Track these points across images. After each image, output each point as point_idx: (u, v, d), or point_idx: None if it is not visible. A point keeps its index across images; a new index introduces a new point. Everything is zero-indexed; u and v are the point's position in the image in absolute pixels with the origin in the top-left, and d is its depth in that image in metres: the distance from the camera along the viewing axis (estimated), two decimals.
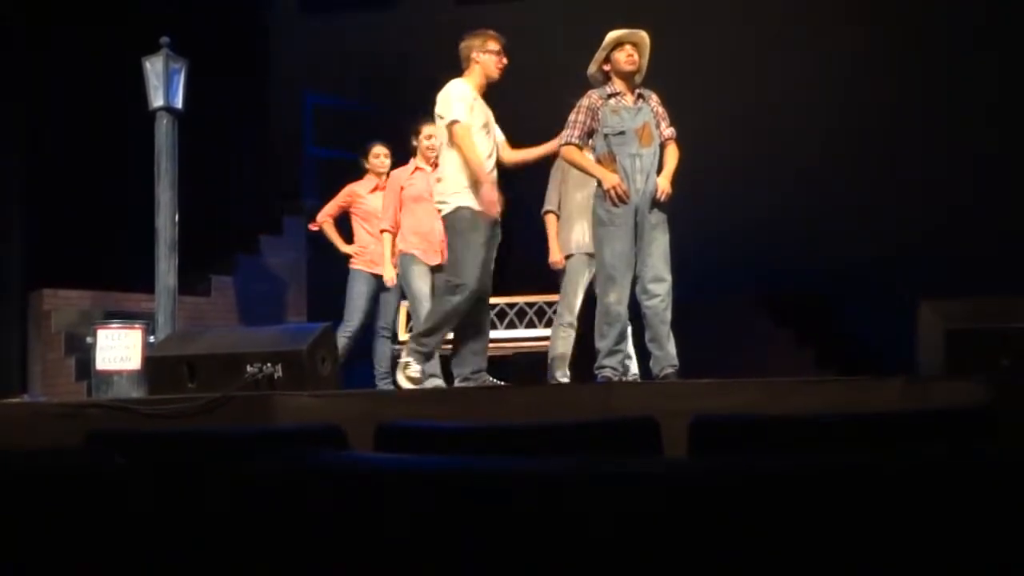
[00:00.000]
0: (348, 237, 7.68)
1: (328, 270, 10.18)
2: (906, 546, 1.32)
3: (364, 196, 7.45)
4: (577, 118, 5.74)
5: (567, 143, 5.76)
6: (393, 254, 6.94)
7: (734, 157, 8.61)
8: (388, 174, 7.37)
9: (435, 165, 6.37)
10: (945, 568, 1.32)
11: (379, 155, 7.50)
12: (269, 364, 5.19)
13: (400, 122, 9.88)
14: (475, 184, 5.57)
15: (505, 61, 5.81)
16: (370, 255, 7.40)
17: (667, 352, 5.66)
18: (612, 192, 5.58)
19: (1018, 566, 1.32)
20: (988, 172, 8.63)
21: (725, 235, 8.36)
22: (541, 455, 1.64)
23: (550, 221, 6.76)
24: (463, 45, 5.85)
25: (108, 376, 7.04)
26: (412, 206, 6.72)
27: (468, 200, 5.59)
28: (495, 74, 5.80)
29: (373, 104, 10.51)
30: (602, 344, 5.66)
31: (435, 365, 6.24)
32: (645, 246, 5.65)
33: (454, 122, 5.58)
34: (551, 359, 6.55)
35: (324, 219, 7.75)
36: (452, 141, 5.62)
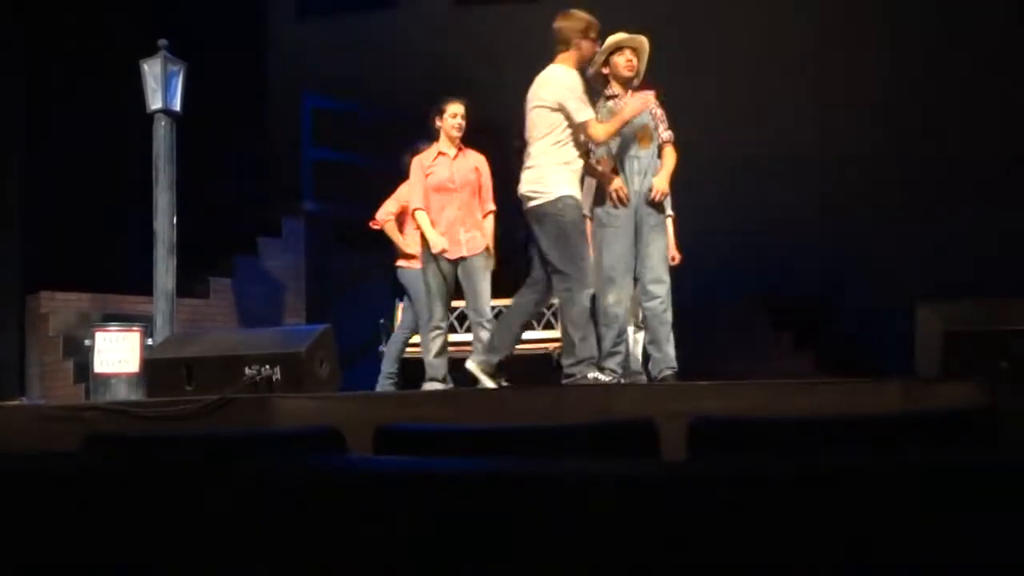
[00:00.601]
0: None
1: (325, 272, 10.21)
2: (904, 547, 1.32)
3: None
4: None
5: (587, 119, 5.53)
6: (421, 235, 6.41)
7: (733, 158, 8.61)
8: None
9: (460, 148, 6.31)
10: (943, 568, 1.32)
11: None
12: (268, 366, 5.19)
13: (398, 123, 9.90)
14: (577, 175, 5.51)
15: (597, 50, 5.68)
16: None
17: (666, 354, 5.65)
18: (614, 195, 5.57)
19: (1016, 567, 1.32)
20: (988, 174, 8.63)
21: (724, 237, 8.36)
22: (540, 457, 1.64)
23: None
24: (562, 26, 5.65)
25: (106, 379, 7.04)
26: (432, 195, 6.31)
27: (573, 189, 5.46)
28: (586, 63, 5.69)
29: (372, 106, 10.51)
30: (600, 345, 5.64)
31: (440, 368, 6.17)
32: (644, 247, 5.64)
33: (588, 121, 5.43)
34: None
35: (386, 218, 7.49)
36: (589, 135, 5.48)
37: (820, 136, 8.29)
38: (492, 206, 6.39)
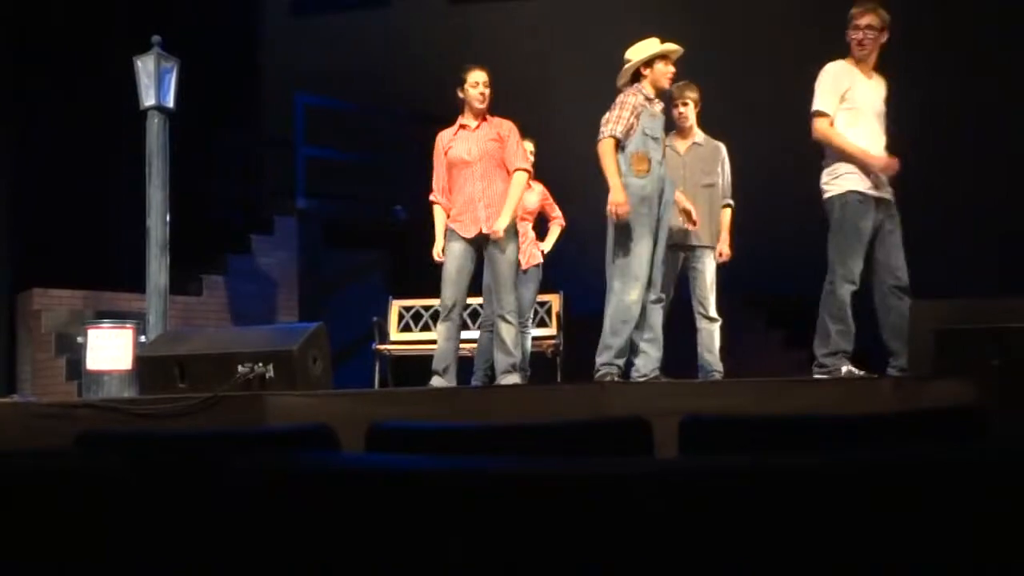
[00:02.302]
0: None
1: (318, 270, 10.20)
2: (896, 544, 1.33)
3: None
4: (622, 114, 5.71)
5: (610, 136, 5.70)
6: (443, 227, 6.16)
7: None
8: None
9: (484, 117, 6.05)
10: (936, 565, 1.32)
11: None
12: (260, 364, 5.19)
13: (391, 122, 9.89)
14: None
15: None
16: None
17: (659, 354, 5.79)
18: (613, 211, 5.63)
19: (1008, 563, 1.32)
20: (980, 173, 8.65)
21: None
22: (532, 455, 1.64)
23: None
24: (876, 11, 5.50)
25: (99, 376, 7.03)
26: (452, 172, 6.04)
27: (860, 185, 5.43)
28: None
29: (365, 104, 10.50)
30: (614, 341, 5.67)
31: (442, 360, 5.93)
32: (658, 251, 5.79)
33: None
34: None
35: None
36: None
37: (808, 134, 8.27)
38: (521, 164, 6.04)
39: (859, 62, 5.50)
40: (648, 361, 5.78)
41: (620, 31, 10.05)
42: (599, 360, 5.70)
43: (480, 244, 5.99)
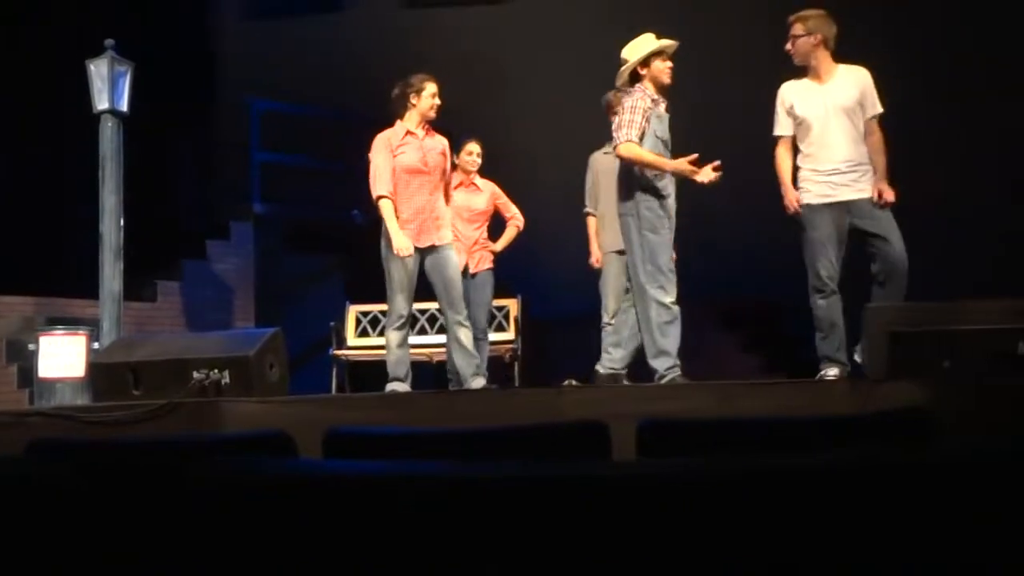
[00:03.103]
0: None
1: (275, 275, 10.14)
2: (851, 545, 1.34)
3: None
4: (634, 118, 5.67)
5: (628, 140, 5.65)
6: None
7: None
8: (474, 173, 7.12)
9: (427, 129, 6.11)
10: (887, 566, 1.34)
11: (472, 152, 7.03)
12: (216, 370, 5.14)
13: (346, 126, 9.85)
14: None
15: None
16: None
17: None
18: (690, 172, 5.65)
19: (958, 563, 1.34)
20: (939, 177, 8.74)
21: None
22: (491, 460, 1.64)
23: (589, 222, 6.88)
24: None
25: (51, 384, 6.93)
26: (402, 177, 6.00)
27: None
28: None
29: (320, 108, 10.46)
30: (667, 343, 5.67)
31: (400, 366, 5.94)
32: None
33: (880, 114, 5.57)
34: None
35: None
36: (879, 130, 5.55)
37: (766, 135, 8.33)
38: (450, 191, 6.32)
39: (808, 72, 5.58)
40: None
41: (572, 33, 10.16)
42: (661, 366, 5.64)
43: (427, 253, 6.02)
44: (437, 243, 6.01)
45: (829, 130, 5.50)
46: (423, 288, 6.11)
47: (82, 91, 7.60)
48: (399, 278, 5.92)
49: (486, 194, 7.20)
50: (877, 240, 5.42)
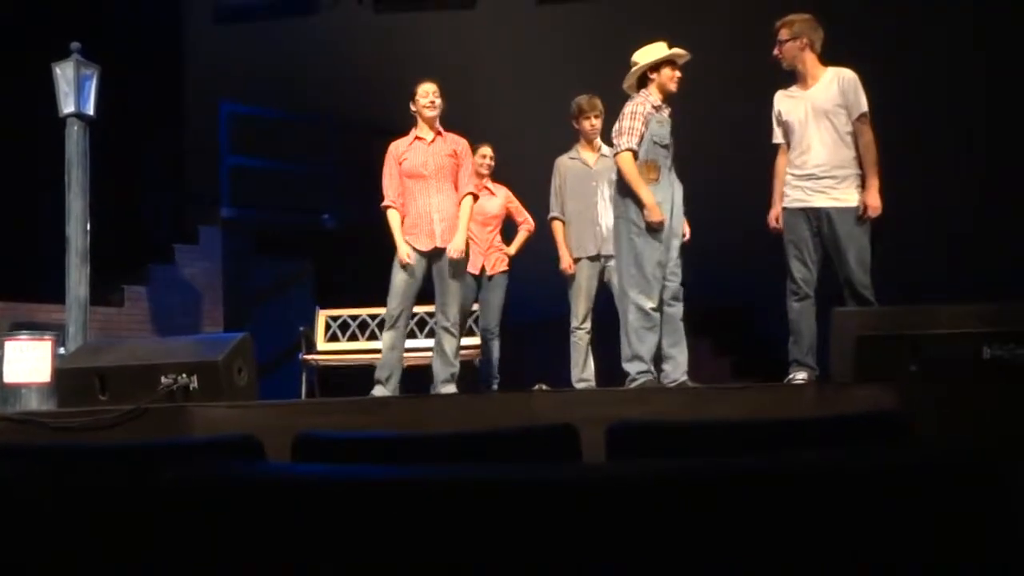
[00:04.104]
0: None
1: (244, 280, 10.09)
2: (820, 547, 1.34)
3: None
4: (634, 125, 5.71)
5: (627, 149, 5.69)
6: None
7: None
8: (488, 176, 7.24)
9: (439, 132, 6.11)
10: (854, 570, 1.34)
11: (485, 156, 7.19)
12: (184, 375, 5.11)
13: (316, 130, 9.83)
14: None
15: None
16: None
17: (686, 357, 5.84)
18: (649, 218, 5.64)
19: (927, 567, 1.35)
20: (905, 180, 8.81)
21: None
22: (460, 464, 1.64)
23: (556, 227, 6.87)
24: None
25: (16, 389, 6.84)
26: (406, 182, 6.07)
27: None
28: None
29: (290, 112, 10.42)
30: (642, 348, 5.65)
31: (386, 368, 5.98)
32: (671, 255, 5.82)
33: (865, 114, 5.51)
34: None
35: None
36: (868, 131, 5.51)
37: (736, 138, 8.39)
38: (469, 188, 6.15)
39: (796, 77, 5.63)
40: (676, 366, 5.80)
41: (544, 37, 10.19)
42: (632, 369, 5.65)
43: (431, 257, 6.03)
44: (440, 245, 6.00)
45: (807, 134, 5.53)
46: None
47: (50, 94, 7.54)
48: (397, 281, 5.99)
49: (499, 198, 7.37)
50: (833, 255, 5.46)
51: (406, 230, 6.03)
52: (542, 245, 7.17)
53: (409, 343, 7.26)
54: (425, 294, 6.24)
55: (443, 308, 6.02)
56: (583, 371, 6.66)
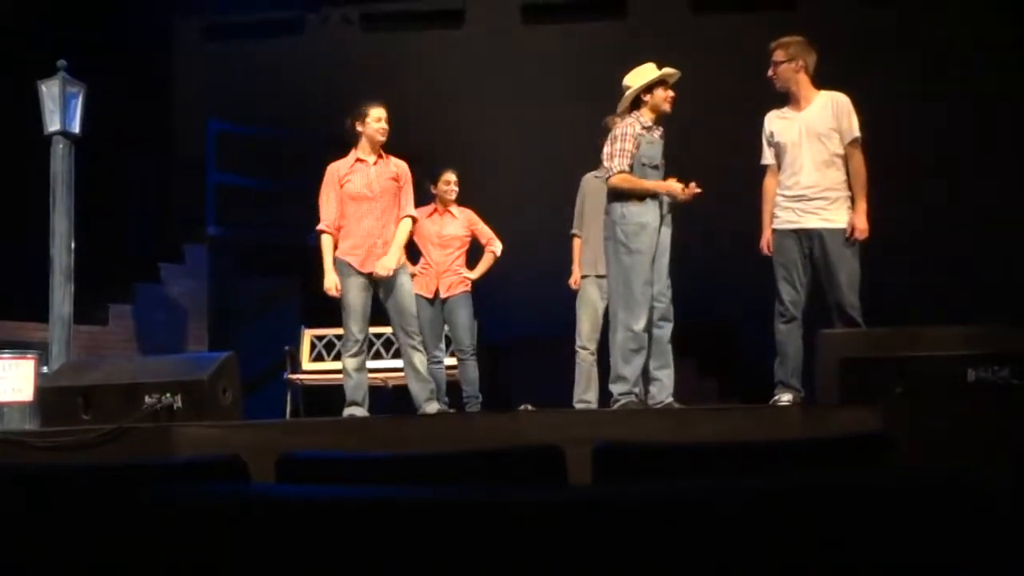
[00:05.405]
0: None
1: (229, 298, 10.05)
2: (803, 569, 1.35)
3: (421, 220, 6.85)
4: (624, 147, 5.72)
5: (620, 172, 5.71)
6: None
7: None
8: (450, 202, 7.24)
9: (380, 155, 6.08)
10: None
11: (449, 182, 7.16)
12: (168, 394, 5.08)
13: (303, 149, 9.83)
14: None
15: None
16: (423, 278, 7.08)
17: (672, 379, 5.84)
18: (682, 195, 5.70)
19: None
20: (891, 203, 8.85)
21: None
22: (445, 484, 1.64)
23: (575, 244, 6.92)
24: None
25: None
26: (349, 204, 6.03)
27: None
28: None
29: (277, 131, 10.41)
30: (627, 370, 5.64)
31: (358, 390, 5.92)
32: (660, 275, 5.82)
33: (857, 139, 5.54)
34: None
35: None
36: (859, 155, 5.53)
37: (722, 158, 8.42)
38: (409, 211, 6.12)
39: (789, 98, 5.66)
40: (662, 388, 5.79)
41: (532, 57, 10.22)
42: (616, 390, 5.64)
43: (376, 280, 5.99)
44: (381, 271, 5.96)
45: (799, 156, 5.56)
46: (377, 312, 6.07)
47: (36, 112, 7.52)
48: (350, 305, 5.94)
49: (460, 220, 7.25)
50: (824, 276, 5.48)
51: (347, 251, 6.00)
52: (532, 263, 7.18)
53: (388, 363, 7.28)
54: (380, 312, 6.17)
55: (402, 326, 5.97)
56: (584, 392, 6.61)
